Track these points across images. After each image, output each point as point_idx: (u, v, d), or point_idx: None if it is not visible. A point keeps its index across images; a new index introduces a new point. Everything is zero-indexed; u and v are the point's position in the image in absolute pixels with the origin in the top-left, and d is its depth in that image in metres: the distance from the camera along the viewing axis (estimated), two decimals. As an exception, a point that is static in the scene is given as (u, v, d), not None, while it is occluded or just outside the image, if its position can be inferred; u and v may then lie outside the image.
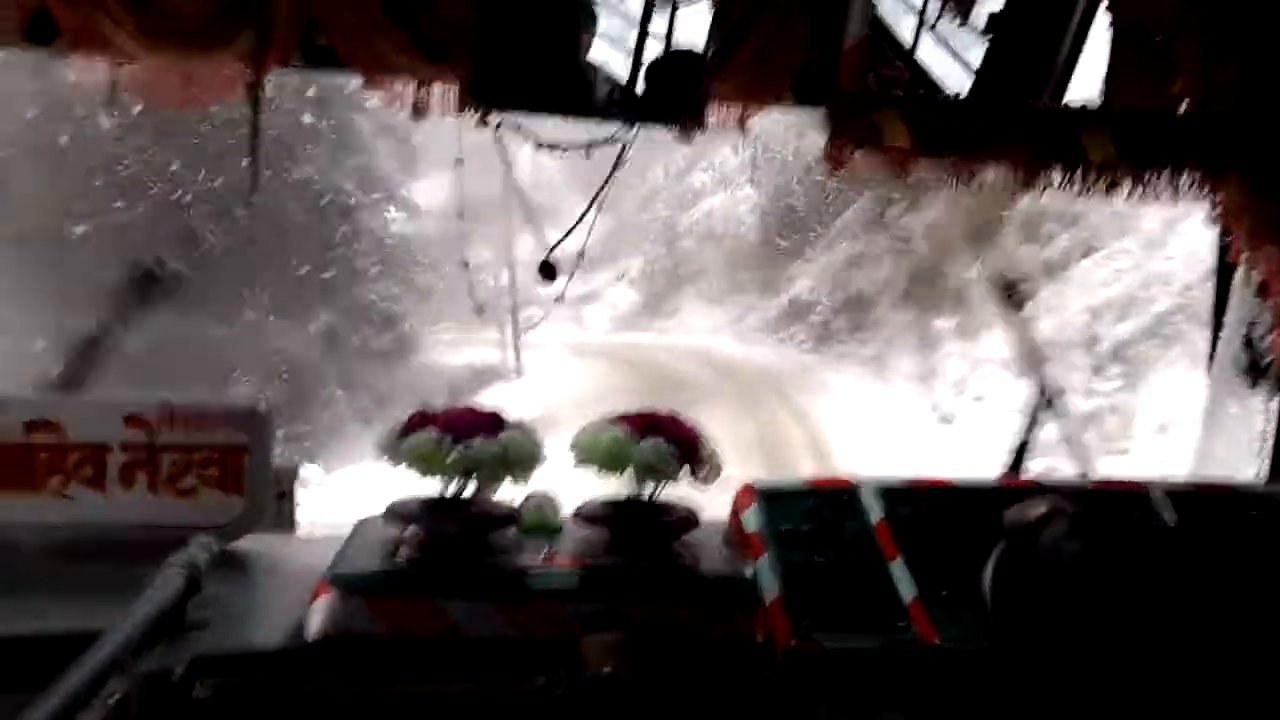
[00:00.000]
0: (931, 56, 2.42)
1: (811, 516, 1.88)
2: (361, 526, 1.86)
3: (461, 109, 1.82)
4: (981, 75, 2.39)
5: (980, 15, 2.43)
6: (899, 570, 1.81)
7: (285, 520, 2.05)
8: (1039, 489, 2.04)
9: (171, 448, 1.87)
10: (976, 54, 2.41)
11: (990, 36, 2.39)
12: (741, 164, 24.02)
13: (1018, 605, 1.67)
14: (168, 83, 1.74)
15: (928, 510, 1.95)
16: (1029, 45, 2.38)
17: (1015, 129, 2.27)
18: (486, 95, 1.82)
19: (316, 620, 1.58)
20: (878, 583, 1.79)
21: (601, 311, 27.29)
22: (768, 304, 21.72)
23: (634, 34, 1.98)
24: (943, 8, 2.41)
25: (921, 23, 2.43)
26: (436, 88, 1.87)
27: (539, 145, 1.92)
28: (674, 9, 1.97)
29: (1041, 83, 2.36)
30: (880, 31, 2.26)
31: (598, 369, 17.95)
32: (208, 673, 1.45)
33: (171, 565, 1.56)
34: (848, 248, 19.68)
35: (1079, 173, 2.24)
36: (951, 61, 2.46)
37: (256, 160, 1.86)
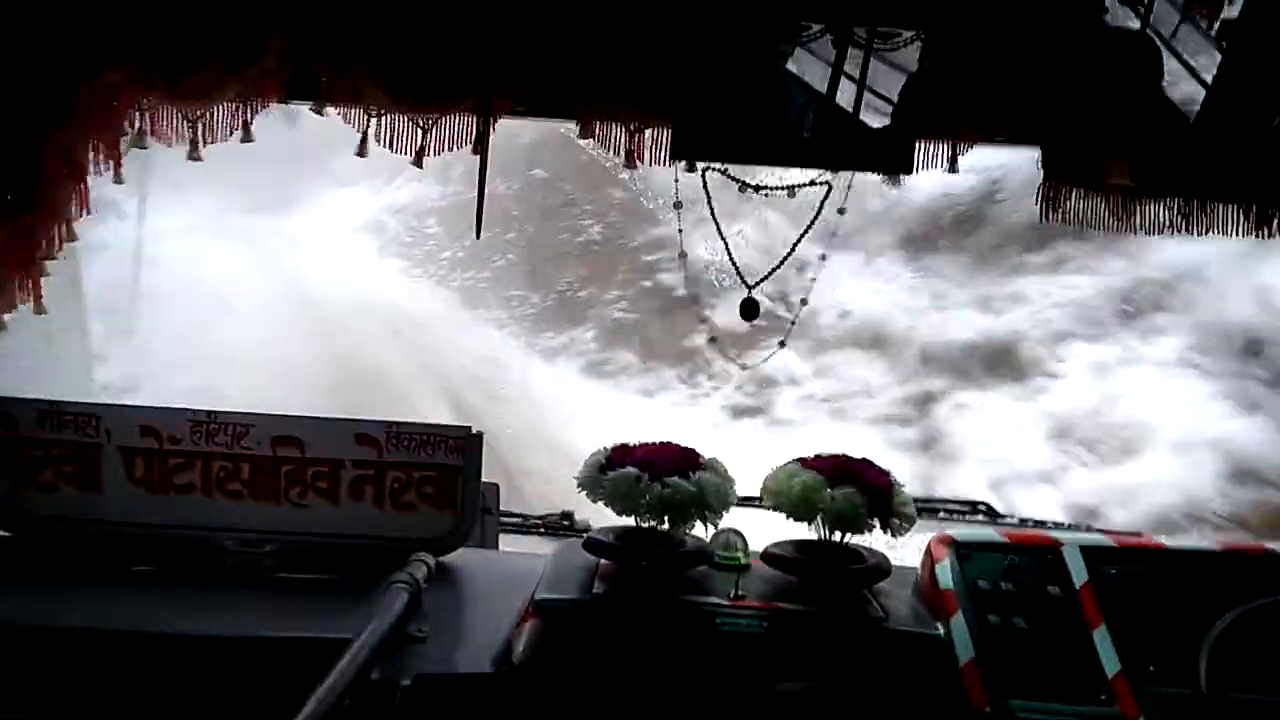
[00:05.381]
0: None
1: (1010, 575, 1.86)
2: (561, 551, 1.98)
3: (673, 158, 1.90)
4: (1213, 93, 2.19)
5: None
6: (1102, 640, 1.76)
7: (489, 538, 2.21)
8: (1266, 555, 1.92)
9: (395, 466, 2.05)
10: (1210, 64, 2.21)
11: (1224, 47, 2.18)
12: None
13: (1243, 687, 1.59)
14: (410, 133, 1.93)
15: (1135, 575, 1.88)
16: (1269, 60, 2.17)
17: (1251, 163, 2.10)
18: (692, 147, 1.89)
19: (523, 645, 1.71)
20: (1079, 652, 1.76)
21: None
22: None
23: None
24: (1183, 15, 2.20)
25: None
26: (648, 134, 1.96)
27: (743, 188, 1.98)
28: (868, 54, 1.94)
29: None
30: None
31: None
32: (431, 690, 1.60)
33: (397, 581, 1.73)
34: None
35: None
36: (1185, 77, 2.27)
37: (481, 201, 2.01)
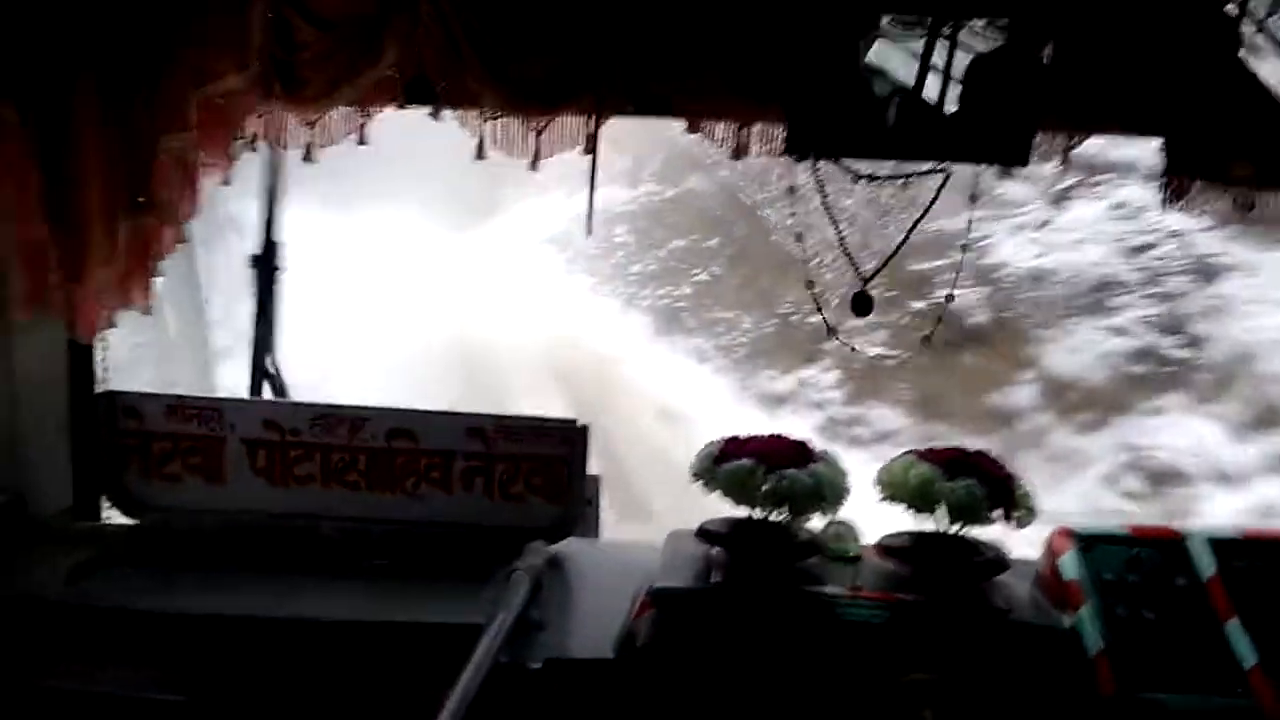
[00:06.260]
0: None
1: (1134, 567, 1.83)
2: (672, 540, 2.01)
3: (785, 154, 1.91)
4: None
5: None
6: (1235, 632, 1.72)
7: (590, 527, 2.25)
8: None
9: (504, 457, 2.10)
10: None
11: None
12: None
13: None
14: (524, 136, 1.98)
15: (1265, 568, 1.83)
16: None
17: None
18: (805, 143, 1.91)
19: (645, 632, 1.73)
20: (1212, 644, 1.72)
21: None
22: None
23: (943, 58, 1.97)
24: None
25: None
26: (755, 130, 1.98)
27: (856, 178, 1.98)
28: (954, 41, 1.90)
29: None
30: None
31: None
32: (559, 674, 1.63)
33: (519, 569, 1.77)
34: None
35: None
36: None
37: (592, 201, 2.05)
